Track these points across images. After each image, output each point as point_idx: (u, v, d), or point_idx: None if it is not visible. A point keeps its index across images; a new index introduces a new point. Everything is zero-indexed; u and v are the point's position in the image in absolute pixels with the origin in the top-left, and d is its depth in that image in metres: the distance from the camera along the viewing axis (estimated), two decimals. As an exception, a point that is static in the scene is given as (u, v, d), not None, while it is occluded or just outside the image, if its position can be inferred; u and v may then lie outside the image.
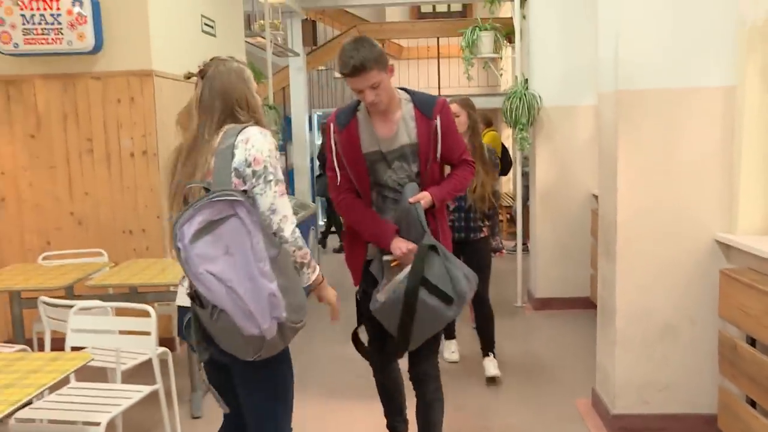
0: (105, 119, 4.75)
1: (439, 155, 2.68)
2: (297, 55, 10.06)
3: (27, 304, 3.76)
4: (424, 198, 2.65)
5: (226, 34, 6.23)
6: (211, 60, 2.20)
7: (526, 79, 5.74)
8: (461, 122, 3.98)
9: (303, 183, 10.16)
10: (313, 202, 9.30)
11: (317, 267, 2.22)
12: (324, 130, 2.77)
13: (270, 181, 2.07)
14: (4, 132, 4.79)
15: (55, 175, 4.83)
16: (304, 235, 6.08)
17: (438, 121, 2.65)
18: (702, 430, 3.23)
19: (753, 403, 2.80)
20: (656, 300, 3.24)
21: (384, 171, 2.68)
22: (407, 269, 2.53)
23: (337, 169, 2.72)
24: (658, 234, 3.19)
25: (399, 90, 2.72)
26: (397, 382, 3.04)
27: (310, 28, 11.26)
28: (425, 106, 2.66)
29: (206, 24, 5.77)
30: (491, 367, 4.14)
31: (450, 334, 4.61)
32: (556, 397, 3.88)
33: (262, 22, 8.35)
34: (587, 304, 5.42)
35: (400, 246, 2.60)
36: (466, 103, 4.15)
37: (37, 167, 4.83)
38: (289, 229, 2.09)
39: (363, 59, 2.49)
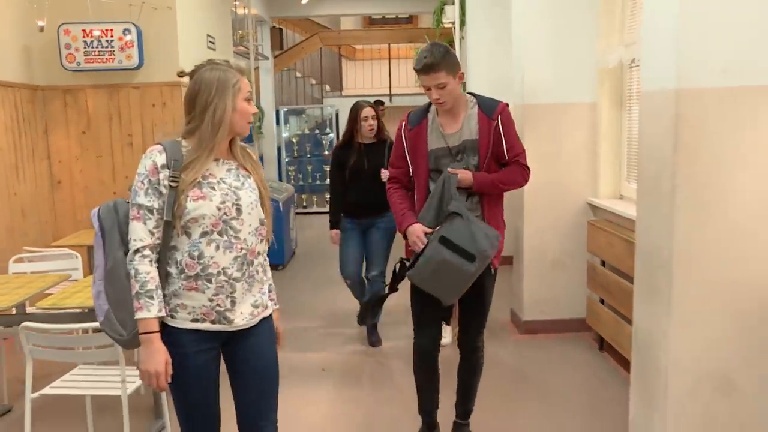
0: (142, 120, 6.13)
1: (497, 152, 2.93)
2: (267, 58, 11.49)
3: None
4: (464, 174, 2.87)
5: (221, 47, 7.64)
6: (204, 62, 2.15)
7: (464, 83, 7.34)
8: None
9: (271, 171, 11.61)
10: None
11: (146, 316, 2.01)
12: (397, 128, 3.08)
13: (131, 201, 2.08)
14: (61, 129, 6.11)
15: (101, 163, 6.18)
16: (282, 214, 7.49)
17: (498, 121, 2.90)
18: (576, 328, 4.93)
19: (602, 302, 4.49)
20: (549, 243, 4.89)
21: (447, 164, 2.91)
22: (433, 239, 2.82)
23: (398, 162, 3.05)
24: (552, 201, 4.85)
25: (468, 94, 3.01)
26: (436, 374, 3.18)
27: (277, 35, 12.67)
28: (488, 107, 2.93)
29: (210, 41, 7.18)
30: None
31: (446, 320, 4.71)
32: None
33: (241, 32, 9.76)
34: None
35: (410, 232, 2.89)
36: None
37: (87, 157, 6.17)
38: (130, 254, 2.04)
39: (434, 61, 2.78)
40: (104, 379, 3.09)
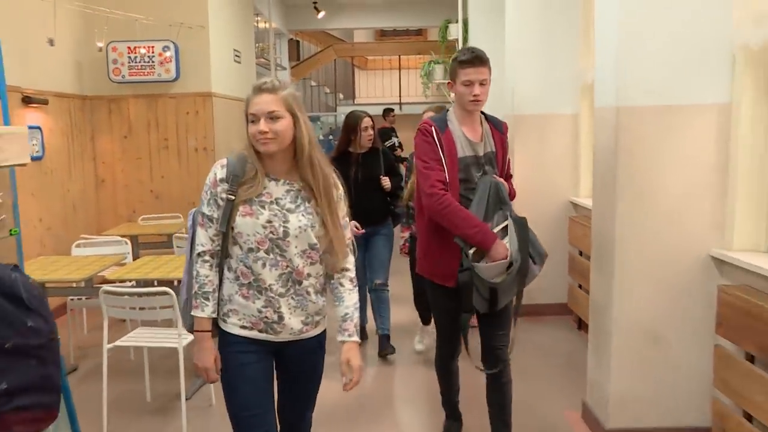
0: (177, 126, 6.88)
1: (506, 167, 3.01)
2: (284, 69, 12.27)
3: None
4: (505, 183, 2.93)
5: (245, 59, 8.40)
6: None
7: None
8: None
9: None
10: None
11: (200, 315, 2.16)
12: (424, 132, 2.88)
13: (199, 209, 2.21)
14: (106, 134, 6.88)
15: (140, 164, 6.94)
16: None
17: (506, 138, 3.02)
18: (559, 312, 5.50)
19: (580, 287, 5.15)
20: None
21: (475, 173, 2.87)
22: (507, 246, 2.76)
23: (438, 165, 2.83)
24: (538, 199, 5.42)
25: None
26: (457, 374, 3.32)
27: (294, 46, 13.46)
28: (497, 123, 3.00)
29: (236, 55, 7.94)
30: None
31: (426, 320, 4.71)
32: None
33: (262, 45, 10.53)
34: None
35: (501, 252, 2.74)
36: (439, 110, 4.17)
37: (128, 159, 6.93)
38: (194, 257, 2.18)
39: (483, 54, 2.82)
40: (162, 336, 3.82)
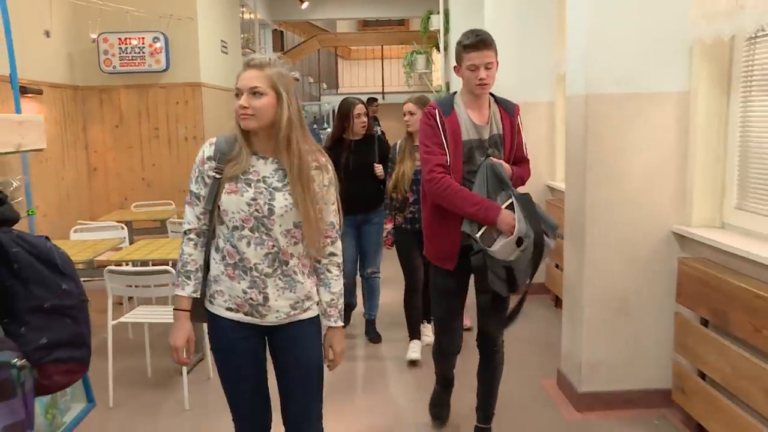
0: (168, 115, 7.06)
1: (514, 149, 2.94)
2: (269, 59, 12.41)
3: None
4: (506, 165, 2.86)
5: (232, 50, 8.58)
6: None
7: (447, 83, 8.30)
8: (416, 120, 4.05)
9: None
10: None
11: (180, 293, 2.17)
12: (427, 115, 2.87)
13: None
14: (97, 124, 7.04)
15: (132, 153, 7.12)
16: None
17: (518, 120, 2.94)
18: (538, 291, 5.76)
19: (557, 266, 5.43)
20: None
21: (479, 157, 2.84)
22: (517, 223, 2.68)
23: (439, 150, 2.82)
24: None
25: None
26: (454, 363, 3.28)
27: (279, 37, 13.61)
28: (507, 106, 2.94)
29: (223, 46, 8.12)
30: None
31: (414, 334, 4.51)
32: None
33: (247, 35, 10.69)
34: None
35: (509, 221, 2.70)
36: (421, 101, 4.23)
37: (119, 148, 7.11)
38: (182, 234, 2.20)
39: (487, 38, 2.76)
40: (161, 313, 4.05)
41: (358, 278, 4.89)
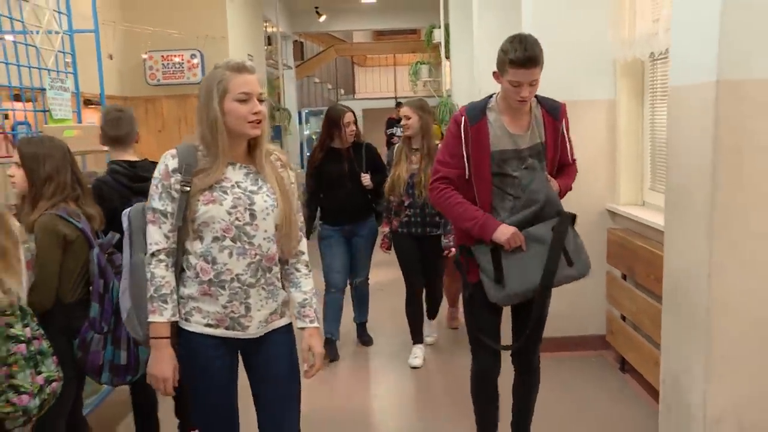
0: (203, 121, 8.12)
1: (559, 156, 2.71)
2: (290, 68, 13.51)
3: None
4: (557, 186, 2.68)
5: (257, 62, 9.64)
6: None
7: (449, 90, 9.26)
8: (412, 124, 4.11)
9: (295, 163, 13.61)
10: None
11: (159, 320, 2.02)
12: (452, 122, 2.69)
13: (147, 205, 2.06)
14: (143, 129, 8.07)
15: (172, 154, 8.19)
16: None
17: (563, 124, 2.68)
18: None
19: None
20: None
21: (515, 168, 2.61)
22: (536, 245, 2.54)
23: (454, 162, 2.63)
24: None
25: None
26: (497, 397, 2.94)
27: (299, 47, 14.71)
28: (552, 108, 2.67)
29: (249, 58, 9.11)
30: None
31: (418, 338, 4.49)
32: None
33: (270, 47, 11.76)
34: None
35: (509, 234, 2.53)
36: (417, 105, 4.21)
37: (161, 151, 8.00)
38: (147, 257, 2.04)
39: (537, 53, 2.47)
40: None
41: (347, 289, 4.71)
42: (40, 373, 2.12)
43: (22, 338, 2.08)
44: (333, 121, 4.40)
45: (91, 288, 2.56)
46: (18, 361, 2.06)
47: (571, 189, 2.87)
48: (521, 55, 2.46)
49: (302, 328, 2.17)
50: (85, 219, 2.61)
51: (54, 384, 2.17)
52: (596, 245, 4.44)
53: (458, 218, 2.66)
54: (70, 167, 2.62)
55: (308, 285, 2.19)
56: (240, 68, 2.01)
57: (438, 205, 2.75)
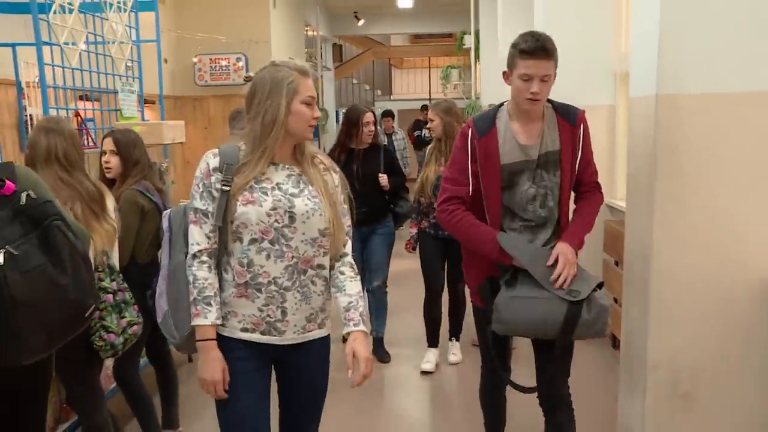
0: (246, 119, 8.79)
1: (577, 166, 2.51)
2: (329, 69, 14.16)
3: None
4: (569, 249, 2.48)
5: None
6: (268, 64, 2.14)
7: (479, 93, 9.74)
8: (435, 126, 4.11)
9: (332, 161, 14.27)
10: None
11: (203, 323, 1.97)
12: (460, 135, 2.54)
13: (189, 205, 2.04)
14: (190, 126, 8.82)
15: (217, 149, 8.87)
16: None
17: (581, 131, 2.49)
18: None
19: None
20: None
21: (524, 183, 2.46)
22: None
23: (461, 178, 2.48)
24: None
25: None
26: (504, 405, 2.88)
27: (338, 50, 15.35)
28: (568, 113, 2.50)
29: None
30: None
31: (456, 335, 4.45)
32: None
33: (310, 50, 12.39)
34: None
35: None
36: (441, 108, 4.15)
37: (207, 146, 8.65)
38: (189, 259, 2.01)
39: (550, 44, 2.35)
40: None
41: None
42: (123, 317, 2.69)
43: (110, 290, 2.67)
44: (352, 121, 4.35)
45: (160, 250, 3.08)
46: (107, 308, 2.61)
47: (592, 225, 2.66)
48: (532, 45, 2.33)
49: (347, 333, 2.08)
50: (157, 193, 3.20)
51: (135, 327, 2.73)
52: (595, 236, 4.88)
53: (475, 240, 2.49)
54: (145, 153, 3.22)
55: (354, 288, 2.10)
56: (306, 72, 2.06)
57: (449, 229, 2.57)
